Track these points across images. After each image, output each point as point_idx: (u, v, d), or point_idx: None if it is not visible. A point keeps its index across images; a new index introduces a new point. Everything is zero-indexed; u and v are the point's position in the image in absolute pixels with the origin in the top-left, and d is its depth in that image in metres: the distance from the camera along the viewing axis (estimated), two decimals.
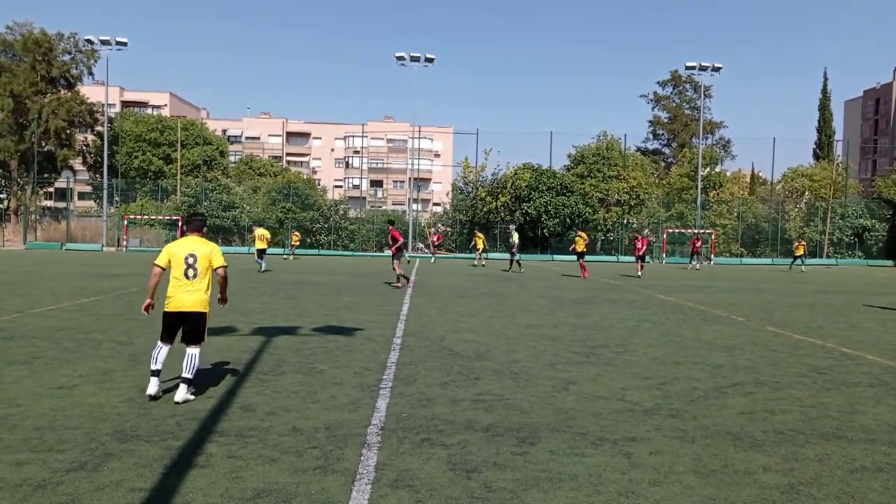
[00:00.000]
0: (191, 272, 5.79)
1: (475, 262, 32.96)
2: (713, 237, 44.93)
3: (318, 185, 63.08)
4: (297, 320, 11.04)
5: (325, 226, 46.63)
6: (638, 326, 11.28)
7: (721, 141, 66.81)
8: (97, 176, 57.62)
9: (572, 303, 15.03)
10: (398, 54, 45.76)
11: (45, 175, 57.23)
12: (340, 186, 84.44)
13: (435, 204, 73.61)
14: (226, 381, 6.51)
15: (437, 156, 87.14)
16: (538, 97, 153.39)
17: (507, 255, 28.57)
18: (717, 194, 51.16)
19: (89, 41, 46.54)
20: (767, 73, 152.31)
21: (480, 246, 33.37)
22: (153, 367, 5.74)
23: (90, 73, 58.46)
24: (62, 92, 57.10)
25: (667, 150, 67.22)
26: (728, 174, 56.20)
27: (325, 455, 4.49)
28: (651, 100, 67.28)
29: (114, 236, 43.86)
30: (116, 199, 50.31)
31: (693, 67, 47.69)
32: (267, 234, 24.91)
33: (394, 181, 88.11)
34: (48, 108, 54.85)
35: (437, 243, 33.64)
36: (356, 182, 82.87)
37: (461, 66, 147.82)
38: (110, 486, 3.86)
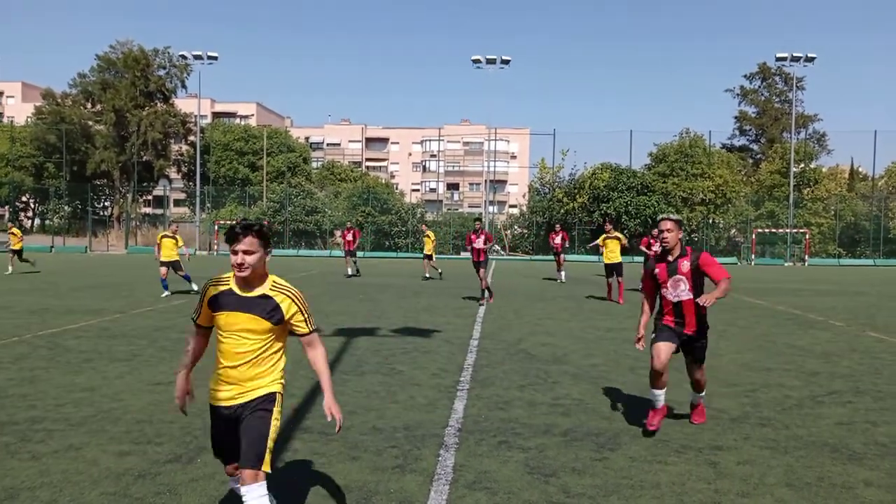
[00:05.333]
0: None
1: (427, 274, 22.04)
2: (807, 237, 42.48)
3: (396, 188, 64.22)
4: (376, 322, 11.27)
5: (403, 229, 47.32)
6: (725, 331, 10.82)
7: (815, 135, 63.14)
8: (190, 184, 60.96)
9: None
10: (474, 57, 45.74)
11: (144, 184, 61.09)
12: (418, 190, 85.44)
13: (511, 206, 73.25)
14: (309, 381, 6.73)
15: (514, 157, 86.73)
16: (617, 96, 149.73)
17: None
18: (812, 191, 48.31)
19: (183, 56, 49.06)
20: (868, 61, 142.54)
21: (429, 248, 21.85)
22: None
23: (183, 87, 62.12)
24: (158, 105, 60.89)
25: (755, 147, 64.15)
26: (824, 170, 52.97)
27: (403, 455, 4.56)
28: (737, 94, 64.39)
29: (206, 240, 46.13)
30: (208, 205, 52.94)
31: (784, 58, 45.26)
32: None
33: (470, 184, 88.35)
34: (146, 120, 58.60)
35: (354, 245, 22.83)
36: (433, 185, 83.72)
37: (538, 66, 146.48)
38: (203, 479, 4.08)
